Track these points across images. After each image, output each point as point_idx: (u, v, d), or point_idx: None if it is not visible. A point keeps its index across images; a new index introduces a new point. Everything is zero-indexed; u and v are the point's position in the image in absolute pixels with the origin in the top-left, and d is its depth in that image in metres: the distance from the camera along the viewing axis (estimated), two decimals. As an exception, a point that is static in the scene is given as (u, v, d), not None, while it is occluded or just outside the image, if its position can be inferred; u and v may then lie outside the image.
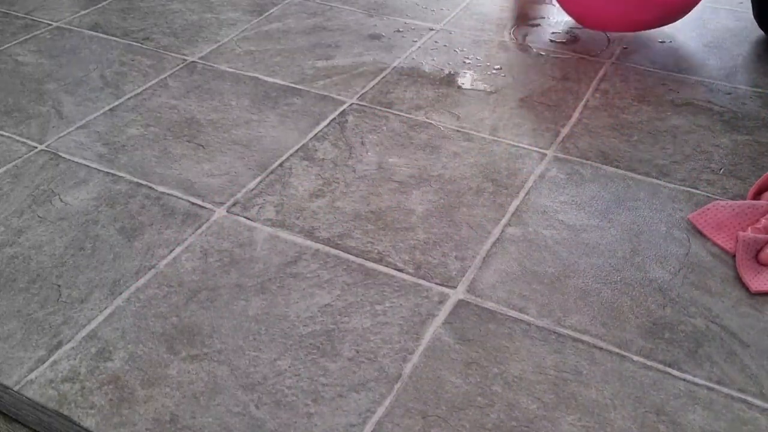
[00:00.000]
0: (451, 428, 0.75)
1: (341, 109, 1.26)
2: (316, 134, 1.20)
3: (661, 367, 0.81)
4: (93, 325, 0.87)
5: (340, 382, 0.80)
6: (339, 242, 0.98)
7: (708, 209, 1.00)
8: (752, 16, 1.52)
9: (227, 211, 1.04)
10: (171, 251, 0.97)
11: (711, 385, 0.79)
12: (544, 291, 0.91)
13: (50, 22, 1.56)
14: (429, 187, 1.08)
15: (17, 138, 1.20)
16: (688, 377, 0.80)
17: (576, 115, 1.24)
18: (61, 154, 1.16)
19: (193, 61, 1.41)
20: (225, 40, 1.48)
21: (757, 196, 1.03)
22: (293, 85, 1.33)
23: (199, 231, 1.00)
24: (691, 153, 1.15)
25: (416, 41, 1.48)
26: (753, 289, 0.90)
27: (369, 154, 1.15)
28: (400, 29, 1.52)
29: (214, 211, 1.04)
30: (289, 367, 0.81)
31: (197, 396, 0.78)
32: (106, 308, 0.89)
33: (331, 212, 1.03)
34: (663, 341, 0.84)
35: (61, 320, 0.87)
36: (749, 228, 0.97)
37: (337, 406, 0.77)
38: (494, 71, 1.37)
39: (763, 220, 0.97)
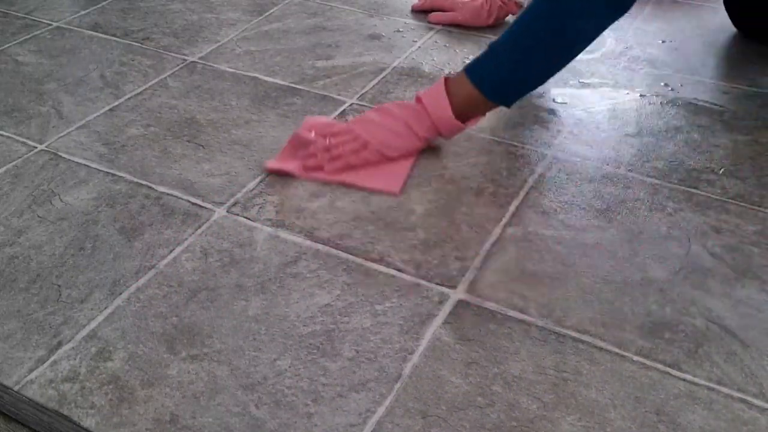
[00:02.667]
0: (451, 428, 0.75)
1: (341, 109, 1.26)
2: (316, 134, 1.19)
3: (661, 367, 0.81)
4: (93, 325, 0.87)
5: (340, 382, 0.80)
6: (339, 242, 0.98)
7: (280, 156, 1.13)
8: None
9: (227, 211, 1.04)
10: (171, 251, 0.97)
11: (711, 385, 0.79)
12: (544, 291, 0.90)
13: (50, 22, 1.56)
14: (429, 187, 1.08)
15: (17, 138, 1.20)
16: (688, 377, 0.80)
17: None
18: (61, 154, 1.16)
19: (193, 61, 1.41)
20: (225, 40, 1.48)
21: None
22: (293, 85, 1.33)
23: (199, 231, 1.00)
24: (691, 153, 1.15)
25: (416, 41, 1.48)
26: (269, 167, 1.09)
27: (369, 154, 1.15)
28: (400, 29, 1.52)
29: (214, 211, 1.04)
30: (289, 367, 0.81)
31: (197, 396, 0.78)
32: (106, 308, 0.89)
33: (331, 212, 1.03)
34: (663, 341, 0.84)
35: (61, 320, 0.87)
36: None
37: (337, 406, 0.77)
38: (494, 71, 1.37)
39: (311, 148, 1.09)
